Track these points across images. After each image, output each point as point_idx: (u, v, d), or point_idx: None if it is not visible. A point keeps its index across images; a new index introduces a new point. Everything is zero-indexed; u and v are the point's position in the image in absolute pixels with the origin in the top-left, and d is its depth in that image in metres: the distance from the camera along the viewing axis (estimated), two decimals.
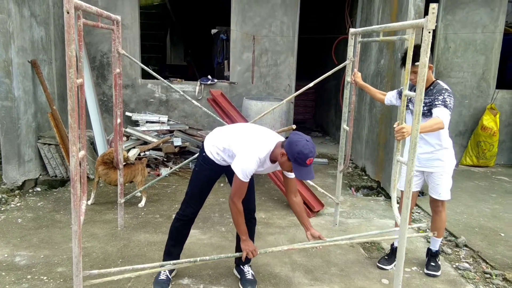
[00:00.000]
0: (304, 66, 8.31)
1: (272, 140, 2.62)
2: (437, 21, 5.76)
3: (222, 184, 5.03)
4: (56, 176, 4.98)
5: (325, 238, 2.77)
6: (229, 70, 6.65)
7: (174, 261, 2.88)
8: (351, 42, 3.74)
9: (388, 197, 4.94)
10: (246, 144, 2.60)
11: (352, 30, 3.72)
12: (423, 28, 2.15)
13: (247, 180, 2.57)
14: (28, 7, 4.69)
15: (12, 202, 4.38)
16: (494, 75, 6.38)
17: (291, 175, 2.71)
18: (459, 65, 6.31)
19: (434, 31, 2.29)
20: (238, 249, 3.06)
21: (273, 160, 2.62)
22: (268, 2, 6.26)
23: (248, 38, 6.32)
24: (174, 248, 2.96)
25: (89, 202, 4.39)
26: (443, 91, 2.89)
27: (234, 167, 2.56)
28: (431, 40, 2.12)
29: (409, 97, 2.89)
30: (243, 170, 2.52)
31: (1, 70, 4.39)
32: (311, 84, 3.92)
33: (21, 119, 4.60)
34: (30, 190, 4.76)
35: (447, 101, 2.83)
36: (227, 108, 5.37)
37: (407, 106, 3.03)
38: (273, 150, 2.59)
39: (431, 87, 2.98)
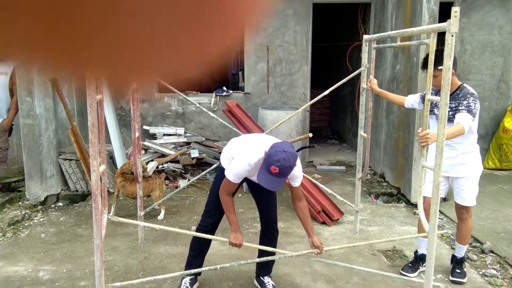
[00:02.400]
0: (318, 74, 8.31)
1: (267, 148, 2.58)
2: None
3: (240, 195, 5.02)
4: (77, 190, 5.06)
5: (323, 250, 2.73)
6: (244, 81, 6.69)
7: (195, 270, 2.88)
8: (365, 48, 3.73)
9: (408, 203, 4.86)
10: (242, 151, 2.64)
11: (366, 36, 3.71)
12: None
13: (234, 181, 2.58)
14: None
15: (35, 218, 4.46)
16: None
17: (295, 184, 2.71)
18: (477, 67, 6.21)
19: None
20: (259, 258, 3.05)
21: None
22: (280, 12, 6.30)
23: (262, 49, 6.36)
24: (195, 259, 2.96)
25: (110, 216, 4.43)
26: (469, 96, 2.85)
27: (226, 168, 2.65)
28: (454, 44, 2.10)
29: (433, 102, 2.86)
30: (232, 171, 2.57)
31: (23, 89, 4.52)
32: (326, 92, 3.91)
33: (43, 136, 4.71)
34: (52, 205, 4.85)
35: (471, 106, 2.79)
36: (243, 119, 5.39)
37: (432, 110, 2.99)
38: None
39: (458, 91, 2.94)
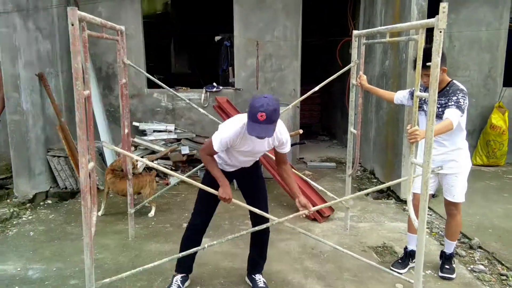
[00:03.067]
0: (308, 70, 8.31)
1: None
2: None
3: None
4: (66, 188, 5.00)
5: (311, 207, 2.71)
6: (234, 76, 6.66)
7: (183, 253, 2.82)
8: (355, 44, 3.73)
9: (398, 200, 4.90)
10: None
11: (355, 32, 3.70)
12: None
13: (218, 148, 2.55)
14: (33, 21, 4.74)
15: (23, 216, 4.40)
16: (500, 72, 6.33)
17: (283, 150, 2.71)
18: (465, 63, 6.27)
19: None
20: (252, 257, 3.04)
21: None
22: (270, 7, 6.27)
23: (251, 44, 6.33)
24: (186, 257, 2.94)
25: (100, 213, 4.40)
26: (458, 92, 2.87)
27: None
28: (442, 40, 2.10)
29: (422, 98, 2.87)
30: (218, 137, 2.54)
31: (9, 84, 4.44)
32: (316, 88, 3.91)
33: (30, 132, 4.64)
34: (41, 203, 4.78)
35: (460, 102, 2.81)
36: (233, 115, 5.35)
37: (421, 107, 3.00)
38: None
39: (447, 88, 2.95)
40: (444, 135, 2.93)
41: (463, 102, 2.83)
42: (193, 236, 2.94)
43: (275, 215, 4.37)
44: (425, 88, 3.02)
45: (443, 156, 3.02)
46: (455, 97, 2.84)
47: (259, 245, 2.99)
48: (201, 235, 2.96)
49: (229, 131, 2.52)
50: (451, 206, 3.16)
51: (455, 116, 2.77)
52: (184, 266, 2.97)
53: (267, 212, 2.96)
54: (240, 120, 2.57)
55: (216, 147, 2.55)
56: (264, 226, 2.84)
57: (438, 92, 2.88)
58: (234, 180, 3.13)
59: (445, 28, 2.09)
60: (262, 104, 2.32)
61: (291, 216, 2.89)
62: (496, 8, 6.14)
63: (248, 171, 2.86)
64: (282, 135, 2.62)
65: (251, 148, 2.64)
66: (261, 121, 2.32)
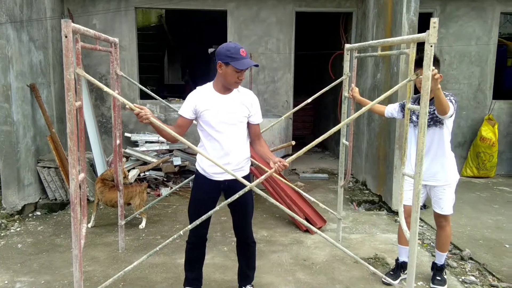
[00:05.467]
0: (301, 82, 8.37)
1: None
2: None
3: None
4: (56, 199, 4.95)
5: (285, 163, 2.57)
6: None
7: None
8: (347, 57, 3.78)
9: (390, 211, 4.91)
10: None
11: (347, 45, 3.75)
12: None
13: (182, 112, 2.64)
14: (27, 32, 4.74)
15: (11, 227, 4.34)
16: (490, 86, 6.43)
17: (254, 121, 2.72)
18: (454, 77, 6.37)
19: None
20: (241, 268, 3.01)
21: (221, 89, 2.63)
22: (263, 21, 6.34)
23: None
24: (189, 273, 2.92)
25: (90, 225, 4.35)
26: (448, 95, 2.92)
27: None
28: (433, 54, 2.14)
29: (412, 110, 2.90)
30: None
31: (0, 95, 4.41)
32: (309, 100, 3.94)
33: (20, 143, 4.60)
34: (29, 215, 4.72)
35: (451, 99, 2.87)
36: None
37: (411, 118, 3.03)
38: (214, 80, 2.66)
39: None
40: (432, 147, 2.97)
41: (453, 101, 2.88)
42: (192, 250, 2.89)
43: (267, 226, 4.39)
44: (414, 101, 3.06)
45: (429, 166, 3.03)
46: (447, 98, 2.89)
47: (246, 255, 2.96)
48: (200, 248, 2.91)
49: (188, 97, 2.65)
50: (440, 218, 3.17)
51: (450, 103, 2.79)
52: (188, 281, 2.92)
53: (250, 230, 2.91)
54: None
55: (181, 110, 2.63)
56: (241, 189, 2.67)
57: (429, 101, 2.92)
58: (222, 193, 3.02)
59: (435, 43, 2.13)
60: (234, 46, 2.50)
61: (262, 177, 2.66)
62: (486, 22, 6.27)
63: (240, 186, 2.78)
64: (253, 98, 2.72)
65: (221, 109, 2.59)
66: (245, 56, 2.50)
